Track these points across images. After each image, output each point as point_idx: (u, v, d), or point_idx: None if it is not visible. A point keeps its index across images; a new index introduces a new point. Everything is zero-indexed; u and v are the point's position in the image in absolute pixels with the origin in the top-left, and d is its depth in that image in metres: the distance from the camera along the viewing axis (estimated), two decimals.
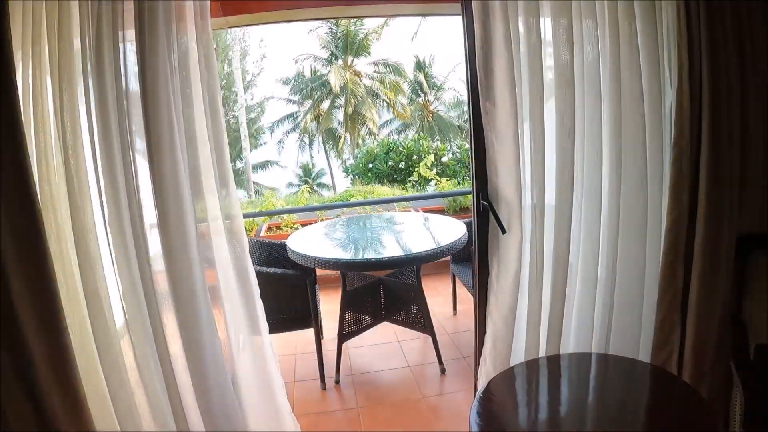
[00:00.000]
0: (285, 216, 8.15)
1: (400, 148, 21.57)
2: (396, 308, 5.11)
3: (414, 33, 38.78)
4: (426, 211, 8.46)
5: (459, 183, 21.45)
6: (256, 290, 3.18)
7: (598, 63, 2.87)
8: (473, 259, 3.53)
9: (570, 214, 3.01)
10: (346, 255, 4.56)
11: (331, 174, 44.58)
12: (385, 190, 16.02)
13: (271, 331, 3.26)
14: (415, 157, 21.38)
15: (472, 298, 4.91)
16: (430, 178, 8.79)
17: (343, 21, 37.49)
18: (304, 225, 8.20)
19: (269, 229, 8.17)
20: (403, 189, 18.89)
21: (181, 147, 2.65)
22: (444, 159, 22.29)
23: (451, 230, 4.82)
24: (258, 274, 3.26)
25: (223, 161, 2.87)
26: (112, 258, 2.64)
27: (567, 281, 3.10)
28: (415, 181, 21.45)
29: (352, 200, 8.44)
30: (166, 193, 2.58)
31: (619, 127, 2.89)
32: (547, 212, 3.05)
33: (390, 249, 4.83)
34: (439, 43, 53.61)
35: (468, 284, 4.92)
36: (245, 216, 7.92)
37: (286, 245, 4.66)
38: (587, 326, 3.22)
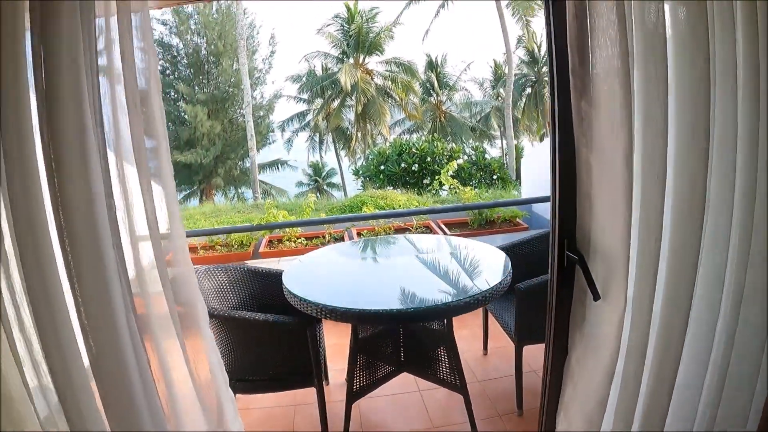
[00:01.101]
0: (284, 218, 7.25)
1: (413, 150, 20.61)
2: (419, 357, 4.13)
3: (425, 31, 38.06)
4: (447, 224, 7.52)
5: (473, 187, 20.68)
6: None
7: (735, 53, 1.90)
8: (546, 334, 2.49)
9: (694, 270, 2.04)
10: (358, 301, 3.47)
11: (341, 174, 43.95)
12: (398, 196, 15.12)
13: (259, 390, 2.37)
14: (429, 159, 20.46)
15: (505, 332, 4.11)
16: (452, 186, 7.75)
17: (356, 19, 36.85)
18: (309, 238, 7.28)
19: (270, 243, 7.24)
20: (417, 193, 18.03)
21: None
22: (459, 161, 21.30)
23: (490, 263, 3.89)
24: (244, 321, 2.98)
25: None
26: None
27: (679, 360, 2.14)
28: (428, 185, 20.67)
29: (364, 212, 7.43)
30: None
31: (756, 138, 1.92)
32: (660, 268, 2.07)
33: (416, 292, 3.69)
34: (451, 41, 53.04)
35: (508, 327, 3.99)
36: (244, 229, 7.01)
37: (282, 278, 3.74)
38: (691, 407, 2.29)
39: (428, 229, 7.42)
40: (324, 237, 7.22)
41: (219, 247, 7.13)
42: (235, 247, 7.06)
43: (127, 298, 2.07)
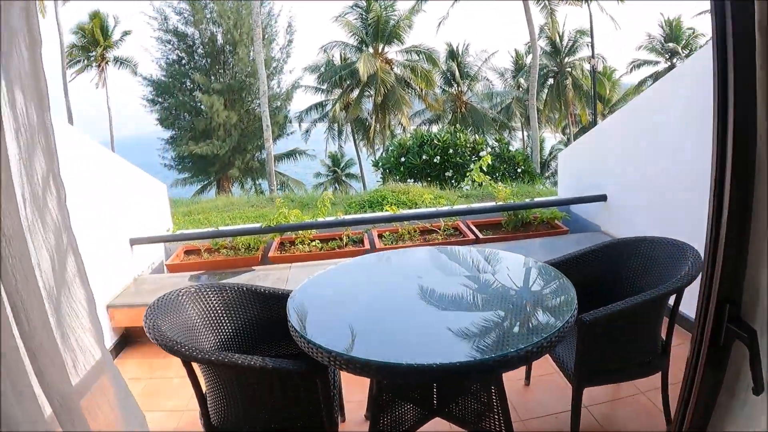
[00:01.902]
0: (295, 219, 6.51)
1: (435, 141, 19.79)
2: (456, 398, 3.35)
3: (444, 18, 37.27)
4: (478, 225, 6.76)
5: (495, 180, 19.85)
6: None
7: None
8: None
9: None
10: (386, 350, 2.55)
11: (360, 165, 43.34)
12: (421, 191, 14.37)
13: None
14: (451, 150, 19.67)
15: (559, 369, 3.32)
16: (483, 183, 6.96)
17: (375, 7, 36.12)
18: (325, 240, 6.55)
19: (281, 245, 6.51)
20: (439, 187, 17.25)
21: None
22: (482, 154, 20.49)
23: (551, 289, 3.13)
24: (236, 366, 2.45)
25: None
26: None
27: None
28: (451, 178, 19.86)
29: (386, 210, 6.67)
30: None
31: None
32: None
33: (461, 335, 2.69)
34: (472, 30, 52.01)
35: (564, 365, 3.19)
36: (249, 232, 6.28)
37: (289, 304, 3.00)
38: None
39: (457, 231, 6.66)
40: (341, 239, 6.48)
41: (224, 249, 6.42)
42: (242, 250, 6.34)
43: None
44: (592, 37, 34.04)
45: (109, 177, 5.54)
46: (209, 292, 3.32)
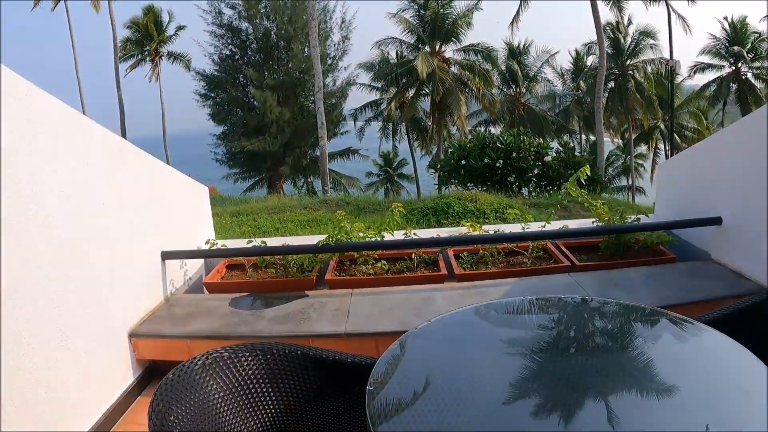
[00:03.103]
0: (360, 234, 5.43)
1: (498, 144, 18.66)
2: None
3: (513, 16, 36.02)
4: (570, 246, 5.65)
5: (556, 190, 18.63)
6: None
7: None
8: None
9: None
10: None
11: (414, 166, 42.52)
12: (489, 198, 13.31)
13: None
14: (514, 154, 18.53)
15: None
16: (580, 200, 5.79)
17: (432, 4, 35.19)
18: (392, 260, 5.50)
19: (339, 265, 5.49)
20: (504, 194, 16.17)
21: None
22: (546, 158, 19.31)
23: (734, 379, 2.04)
24: None
25: None
26: None
27: None
28: (513, 183, 18.74)
29: (463, 228, 5.66)
30: None
31: None
32: None
33: None
34: (532, 29, 50.68)
35: None
36: (303, 251, 5.28)
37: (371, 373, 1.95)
38: None
39: (547, 254, 5.56)
40: (411, 259, 5.43)
41: (273, 268, 5.43)
42: (294, 269, 5.33)
43: None
44: (670, 36, 32.45)
45: (141, 179, 4.60)
46: (244, 356, 2.32)
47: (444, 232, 5.90)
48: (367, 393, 1.93)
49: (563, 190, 6.11)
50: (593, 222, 5.81)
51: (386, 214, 5.46)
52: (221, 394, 2.20)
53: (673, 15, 34.16)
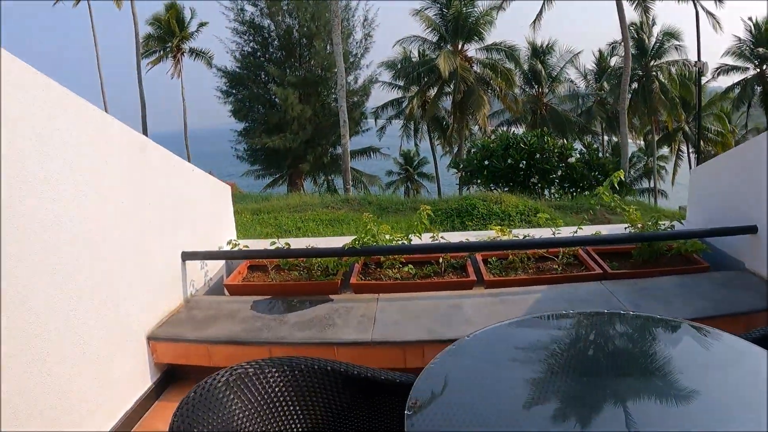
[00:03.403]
0: (387, 237, 5.22)
1: (521, 145, 18.37)
2: None
3: (536, 16, 35.62)
4: (601, 253, 5.43)
5: (578, 192, 18.35)
6: None
7: None
8: None
9: None
10: None
11: (435, 165, 42.34)
12: (514, 199, 13.09)
13: None
14: (537, 155, 18.25)
15: None
16: (613, 205, 5.57)
17: (455, 3, 34.94)
18: (419, 264, 5.31)
19: (364, 267, 5.32)
20: (528, 195, 15.95)
21: None
22: (570, 160, 19.03)
23: None
24: None
25: None
26: None
27: None
28: (536, 184, 18.48)
29: (492, 232, 5.47)
30: None
31: None
32: None
33: None
34: (555, 29, 50.21)
35: None
36: (328, 254, 5.12)
37: None
38: None
39: (578, 261, 5.35)
40: (438, 263, 5.24)
41: (296, 272, 5.26)
42: (318, 272, 5.16)
43: None
44: (698, 37, 31.81)
45: (161, 177, 4.45)
46: (269, 370, 2.15)
47: (472, 236, 5.71)
48: (405, 418, 1.76)
49: (595, 195, 5.88)
50: (626, 228, 5.60)
51: (414, 217, 5.27)
52: (246, 413, 2.04)
53: (701, 14, 33.55)
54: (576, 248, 5.46)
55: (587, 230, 5.80)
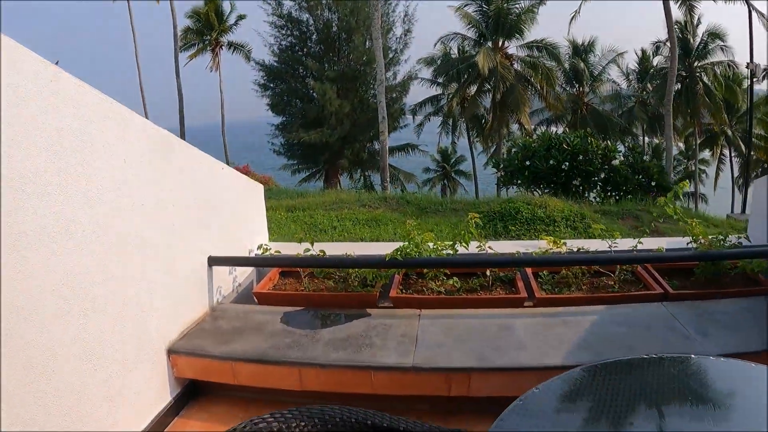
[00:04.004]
0: (430, 245, 4.79)
1: (564, 146, 17.75)
2: None
3: (575, 11, 34.86)
4: (659, 269, 4.94)
5: (622, 196, 17.70)
6: None
7: None
8: None
9: None
10: None
11: (473, 163, 41.94)
12: (559, 204, 12.62)
13: None
14: (581, 157, 17.63)
15: None
16: (675, 217, 5.08)
17: None
18: (464, 276, 4.87)
19: (405, 279, 4.91)
20: (570, 197, 15.44)
21: None
22: (614, 162, 18.38)
23: None
24: None
25: None
26: None
27: None
28: (578, 187, 17.86)
29: (543, 242, 5.11)
30: None
31: None
32: None
33: None
34: (597, 26, 49.33)
35: None
36: (365, 264, 4.72)
37: None
38: None
39: (636, 278, 4.86)
40: (485, 275, 4.80)
41: (331, 281, 4.87)
42: (355, 282, 4.76)
43: None
44: (751, 38, 30.85)
45: (187, 176, 4.11)
46: (298, 426, 1.77)
47: (521, 246, 5.28)
48: None
49: (658, 205, 5.40)
50: (688, 243, 5.11)
51: (460, 225, 4.84)
52: None
53: (753, 15, 32.46)
54: (635, 265, 5.00)
55: (646, 242, 5.33)
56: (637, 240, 5.19)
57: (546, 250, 5.01)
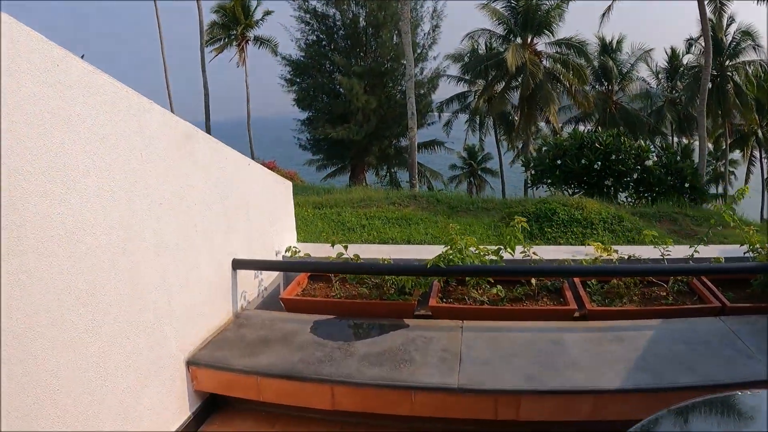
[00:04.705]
0: (472, 250, 4.40)
1: (597, 145, 17.34)
2: None
3: (607, 8, 34.31)
4: (715, 281, 4.52)
5: (655, 197, 17.21)
6: None
7: None
8: None
9: None
10: None
11: (500, 161, 41.55)
12: (595, 205, 12.22)
13: None
14: (613, 156, 17.21)
15: None
16: (733, 225, 4.67)
17: None
18: (508, 284, 4.46)
19: (445, 285, 4.55)
20: (604, 198, 15.04)
21: None
22: (647, 162, 17.91)
23: None
24: None
25: None
26: None
27: None
28: (611, 187, 17.43)
29: (591, 248, 4.76)
30: None
31: None
32: None
33: None
34: (626, 24, 48.54)
35: None
36: (400, 272, 4.37)
37: None
38: None
39: (690, 290, 4.46)
40: (530, 283, 4.43)
41: (364, 288, 4.52)
42: (391, 290, 4.41)
43: None
44: None
45: (212, 173, 3.80)
46: None
47: (566, 251, 4.91)
48: None
49: (716, 213, 5.00)
50: (745, 253, 4.69)
51: (506, 230, 4.44)
52: None
53: None
54: (689, 276, 4.60)
55: (702, 250, 4.92)
56: (693, 248, 4.79)
57: (595, 258, 4.63)
